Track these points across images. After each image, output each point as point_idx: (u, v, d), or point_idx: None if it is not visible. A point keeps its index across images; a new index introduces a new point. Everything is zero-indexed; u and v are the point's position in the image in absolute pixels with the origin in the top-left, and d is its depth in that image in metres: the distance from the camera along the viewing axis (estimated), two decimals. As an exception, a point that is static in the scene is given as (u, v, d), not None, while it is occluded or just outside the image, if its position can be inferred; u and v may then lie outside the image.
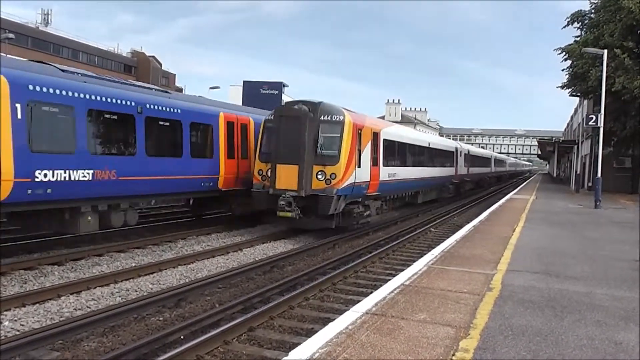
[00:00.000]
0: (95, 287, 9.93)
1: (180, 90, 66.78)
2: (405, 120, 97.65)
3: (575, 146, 44.49)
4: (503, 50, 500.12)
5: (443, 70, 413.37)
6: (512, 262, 9.54)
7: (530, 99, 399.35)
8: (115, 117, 12.91)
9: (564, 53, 34.09)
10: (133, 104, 13.35)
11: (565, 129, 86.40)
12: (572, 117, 70.13)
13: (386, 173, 19.63)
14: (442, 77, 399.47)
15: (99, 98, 12.35)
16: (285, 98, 62.56)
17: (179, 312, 8.92)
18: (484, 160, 52.14)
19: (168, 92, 16.46)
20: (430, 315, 6.11)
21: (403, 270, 9.21)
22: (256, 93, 71.66)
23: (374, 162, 18.40)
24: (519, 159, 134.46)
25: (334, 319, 6.08)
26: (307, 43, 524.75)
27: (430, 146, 28.49)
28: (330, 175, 15.68)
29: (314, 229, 16.77)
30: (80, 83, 12.11)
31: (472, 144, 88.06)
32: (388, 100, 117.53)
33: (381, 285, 7.94)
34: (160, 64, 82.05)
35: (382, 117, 74.91)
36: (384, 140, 19.62)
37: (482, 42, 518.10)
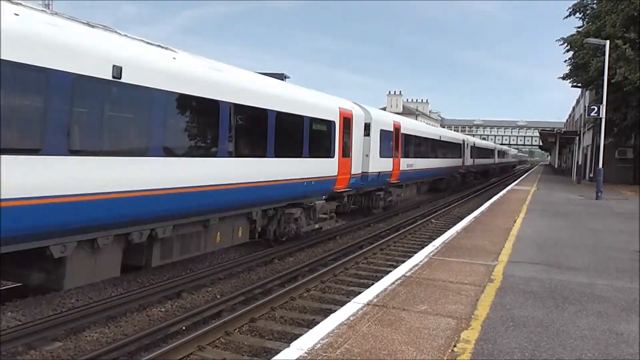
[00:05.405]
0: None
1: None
2: (406, 112, 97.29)
3: (577, 137, 44.39)
4: (506, 41, 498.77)
5: (445, 61, 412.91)
6: (513, 253, 9.54)
7: (532, 90, 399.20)
8: None
9: (566, 44, 33.90)
10: None
11: (567, 120, 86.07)
12: (574, 108, 69.89)
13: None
14: (444, 68, 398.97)
15: None
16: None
17: (180, 303, 8.95)
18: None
19: None
20: (432, 306, 6.12)
21: (404, 261, 9.22)
22: (257, 84, 71.39)
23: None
24: (520, 150, 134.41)
25: (335, 310, 6.10)
26: (308, 34, 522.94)
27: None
28: None
29: None
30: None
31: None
32: (390, 91, 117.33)
33: (382, 277, 7.95)
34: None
35: (384, 109, 74.57)
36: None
37: (484, 33, 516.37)
